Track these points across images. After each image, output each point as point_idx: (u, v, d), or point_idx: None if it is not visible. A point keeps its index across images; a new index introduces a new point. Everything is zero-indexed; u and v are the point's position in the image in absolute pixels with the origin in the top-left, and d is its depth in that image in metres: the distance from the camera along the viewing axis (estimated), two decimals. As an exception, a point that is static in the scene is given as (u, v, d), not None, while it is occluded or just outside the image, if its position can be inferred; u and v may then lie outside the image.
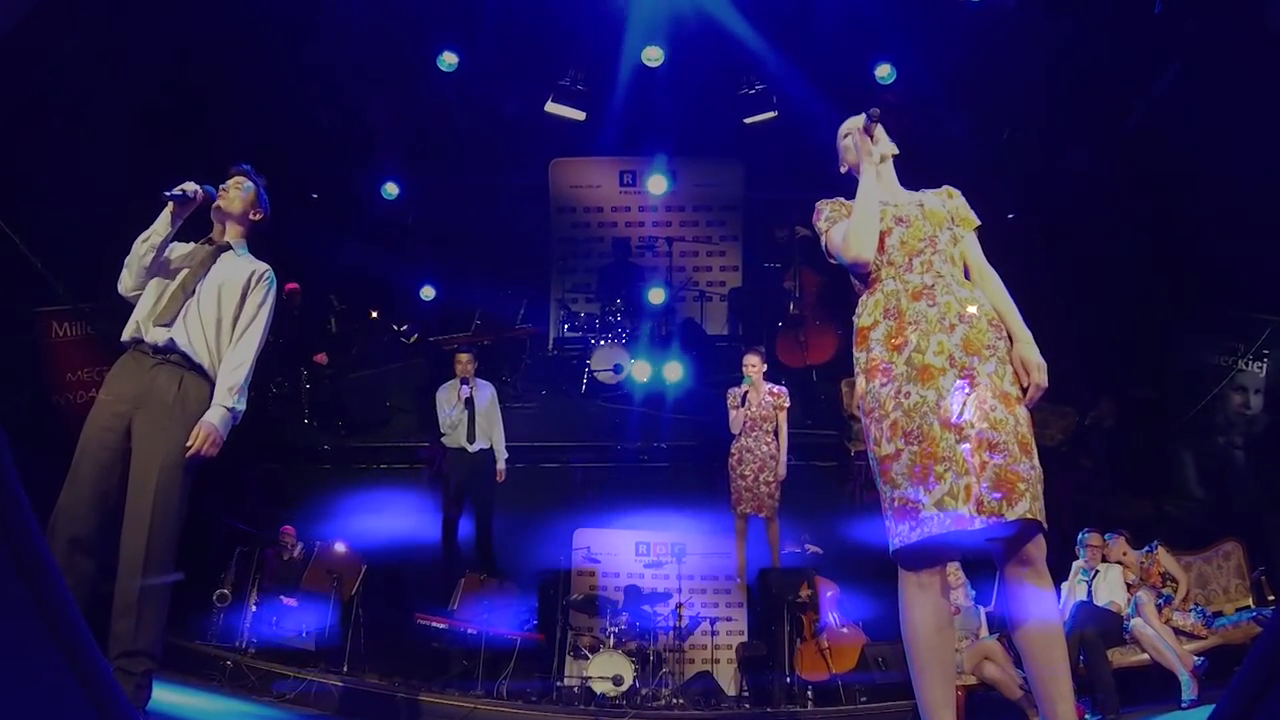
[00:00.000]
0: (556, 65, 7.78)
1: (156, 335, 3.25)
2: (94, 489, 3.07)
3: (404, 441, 8.06)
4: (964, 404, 2.53)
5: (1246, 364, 6.49)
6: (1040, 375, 2.61)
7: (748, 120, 7.92)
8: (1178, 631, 5.00)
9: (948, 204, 2.88)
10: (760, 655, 6.27)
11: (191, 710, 4.38)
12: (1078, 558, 5.55)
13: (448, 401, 6.86)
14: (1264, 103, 5.24)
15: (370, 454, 8.11)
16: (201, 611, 5.96)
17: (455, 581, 6.49)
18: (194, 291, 3.32)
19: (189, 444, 3.14)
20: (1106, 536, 5.54)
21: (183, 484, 3.16)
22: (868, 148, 2.87)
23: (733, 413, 6.33)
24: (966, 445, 2.48)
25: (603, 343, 8.61)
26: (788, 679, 5.91)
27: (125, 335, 3.32)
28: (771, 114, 7.79)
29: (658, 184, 9.27)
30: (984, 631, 5.41)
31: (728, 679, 6.60)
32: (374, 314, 8.95)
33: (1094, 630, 4.84)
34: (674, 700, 5.94)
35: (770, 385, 6.43)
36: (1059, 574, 5.44)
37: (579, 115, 7.98)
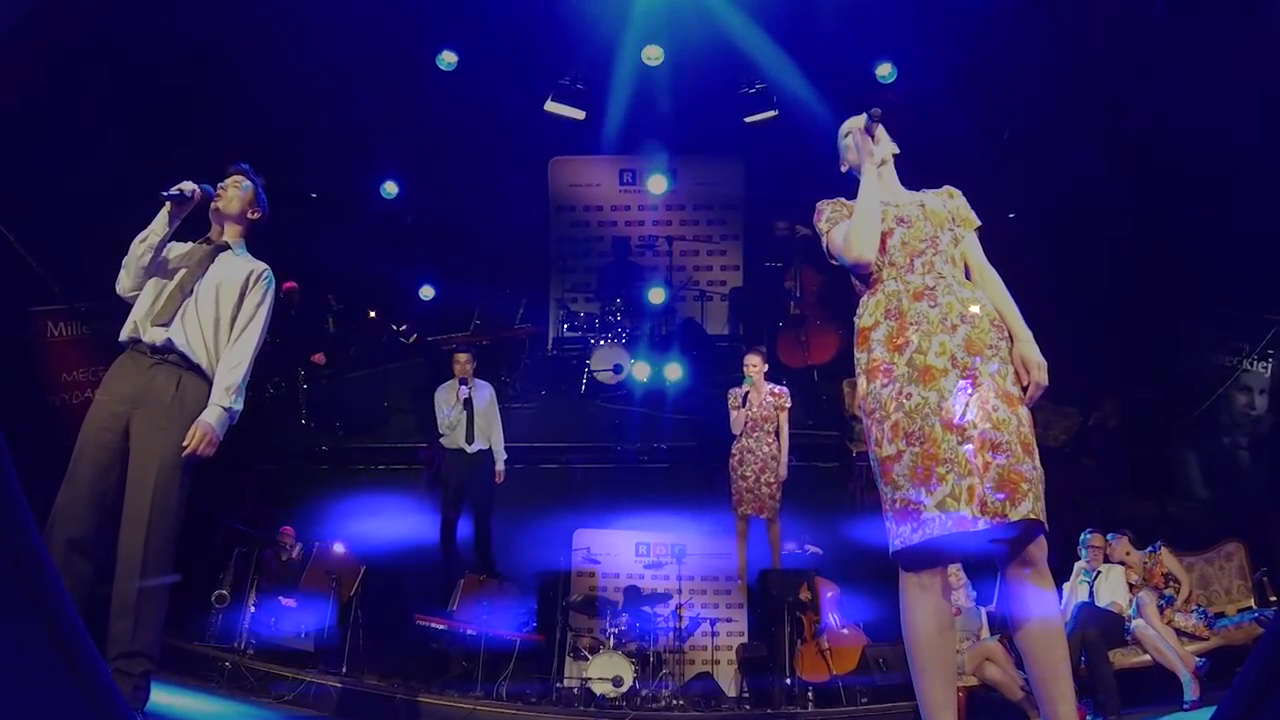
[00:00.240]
0: (556, 64, 7.77)
1: (154, 335, 3.25)
2: (92, 489, 3.06)
3: (402, 442, 8.04)
4: (967, 405, 2.52)
5: (1251, 364, 6.46)
6: (1041, 374, 2.60)
7: (748, 119, 7.91)
8: (1179, 632, 5.00)
9: (949, 204, 2.87)
10: (760, 656, 6.26)
11: (190, 712, 4.37)
12: (1080, 558, 5.54)
13: (446, 402, 6.84)
14: (1268, 101, 5.23)
15: (368, 454, 8.09)
16: (200, 612, 5.94)
17: (454, 582, 6.48)
18: (192, 291, 3.31)
19: (185, 443, 3.13)
20: (1109, 537, 5.53)
21: (181, 484, 3.15)
22: (869, 148, 2.86)
23: (734, 413, 6.32)
24: (969, 446, 2.48)
25: (602, 343, 8.58)
26: (788, 680, 5.90)
27: (123, 335, 3.31)
28: (772, 113, 7.77)
29: (658, 184, 9.25)
30: (985, 632, 5.40)
31: (728, 680, 6.59)
32: (372, 314, 8.93)
33: (1095, 631, 4.82)
34: (674, 702, 5.93)
35: (771, 385, 6.42)
36: (1061, 575, 5.44)
37: (579, 114, 7.96)
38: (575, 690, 6.04)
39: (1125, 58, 6.40)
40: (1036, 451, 2.53)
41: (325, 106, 7.37)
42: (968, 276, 2.80)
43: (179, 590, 3.18)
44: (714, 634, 6.60)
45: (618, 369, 8.43)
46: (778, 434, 6.32)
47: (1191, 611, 5.15)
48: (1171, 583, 5.29)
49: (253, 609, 6.06)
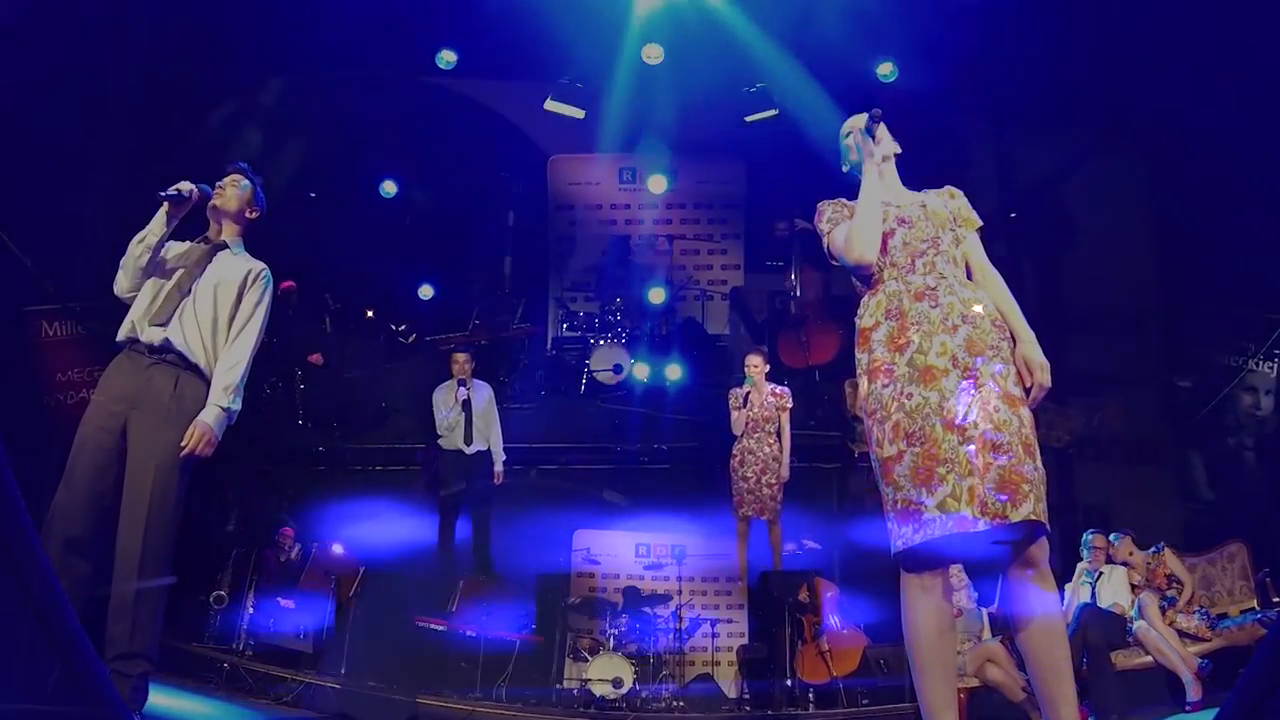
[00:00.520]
0: (556, 62, 7.75)
1: (152, 335, 3.23)
2: (89, 489, 3.05)
3: (400, 443, 8.02)
4: (968, 405, 2.51)
5: (1257, 364, 6.43)
6: (1044, 375, 2.60)
7: (749, 118, 7.90)
8: (1181, 633, 4.99)
9: (950, 204, 2.86)
10: (761, 658, 6.24)
11: (188, 713, 4.35)
12: (1081, 559, 5.53)
13: (445, 403, 6.81)
14: (1272, 100, 5.22)
15: (367, 455, 8.06)
16: (198, 613, 5.93)
17: (454, 584, 6.46)
18: (190, 291, 3.30)
19: (184, 444, 3.11)
20: (1112, 537, 5.52)
21: (179, 484, 3.14)
22: (870, 148, 2.85)
23: (735, 414, 6.30)
24: (972, 447, 2.47)
25: (602, 342, 8.56)
26: (788, 682, 5.88)
27: (120, 335, 3.29)
28: (773, 111, 7.76)
29: (658, 183, 9.24)
30: (987, 633, 5.38)
31: (728, 682, 6.58)
32: (370, 313, 8.90)
33: (1097, 633, 4.81)
34: (674, 703, 5.92)
35: (773, 386, 6.41)
36: (1063, 576, 5.42)
37: (578, 113, 7.95)
38: (575, 691, 6.02)
39: (1129, 55, 6.39)
40: (1038, 452, 2.53)
41: (324, 105, 7.36)
42: (969, 277, 2.79)
43: (177, 591, 3.18)
44: (714, 635, 6.59)
45: (617, 369, 8.41)
46: (779, 435, 6.30)
47: (1194, 612, 5.14)
48: (1174, 584, 5.28)
49: (251, 610, 6.05)
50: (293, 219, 5.74)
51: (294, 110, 7.30)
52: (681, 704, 5.92)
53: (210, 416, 3.18)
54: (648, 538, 7.23)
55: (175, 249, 3.41)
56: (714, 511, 6.84)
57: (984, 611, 5.51)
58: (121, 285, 3.34)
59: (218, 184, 3.46)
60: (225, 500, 6.88)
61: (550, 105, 7.90)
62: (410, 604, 6.42)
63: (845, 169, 2.99)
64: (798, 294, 8.72)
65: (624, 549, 7.25)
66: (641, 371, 8.24)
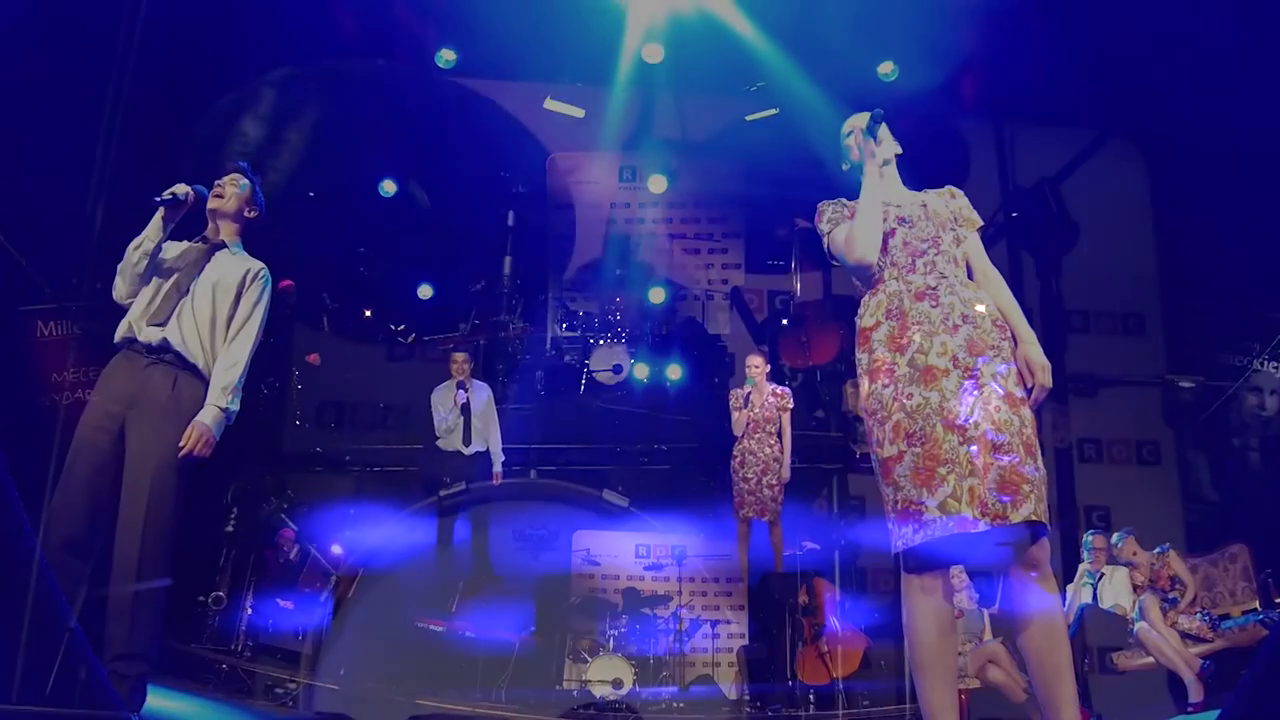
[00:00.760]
0: (556, 62, 7.74)
1: (150, 335, 3.22)
2: (87, 490, 3.04)
3: (399, 444, 8.00)
4: (970, 406, 2.50)
5: (1262, 364, 6.41)
6: (1045, 376, 2.59)
7: (749, 117, 7.89)
8: (1183, 634, 4.98)
9: (951, 204, 2.86)
10: (761, 659, 6.23)
11: (187, 714, 4.34)
12: (1083, 560, 5.52)
13: (443, 404, 6.80)
14: (1273, 98, 5.21)
15: (365, 456, 8.05)
16: (197, 614, 5.92)
17: (453, 585, 6.44)
18: (188, 290, 3.28)
19: (182, 444, 3.10)
20: (1116, 537, 5.51)
21: (177, 485, 3.13)
22: (871, 148, 2.84)
23: (735, 414, 6.29)
24: (973, 447, 2.46)
25: (602, 342, 8.55)
26: (789, 683, 5.87)
27: (118, 335, 3.28)
28: (773, 110, 7.75)
29: (658, 183, 9.21)
30: (988, 634, 5.38)
31: (728, 683, 6.56)
32: (368, 313, 8.89)
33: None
34: (674, 704, 5.90)
35: (773, 386, 6.40)
36: (1064, 577, 5.41)
37: (578, 112, 7.95)
38: (575, 693, 6.01)
39: (1130, 55, 6.38)
40: (1039, 453, 2.52)
41: (324, 104, 7.35)
42: (970, 277, 2.79)
43: (176, 592, 3.16)
44: (714, 636, 6.57)
45: (617, 369, 8.39)
46: (780, 435, 6.29)
47: (1196, 613, 5.13)
48: (1177, 585, 5.27)
49: (250, 610, 6.04)
50: (292, 218, 5.72)
51: (293, 110, 7.29)
52: (682, 705, 5.91)
53: (208, 417, 3.16)
54: (648, 538, 7.21)
55: (173, 248, 3.39)
56: (714, 512, 6.83)
57: (985, 612, 5.51)
58: (120, 291, 3.32)
59: (216, 183, 3.45)
60: (223, 501, 6.86)
61: (550, 104, 7.89)
62: (409, 605, 6.42)
63: (846, 168, 2.98)
64: (798, 294, 8.70)
65: (624, 550, 7.23)
66: (641, 371, 8.22)
